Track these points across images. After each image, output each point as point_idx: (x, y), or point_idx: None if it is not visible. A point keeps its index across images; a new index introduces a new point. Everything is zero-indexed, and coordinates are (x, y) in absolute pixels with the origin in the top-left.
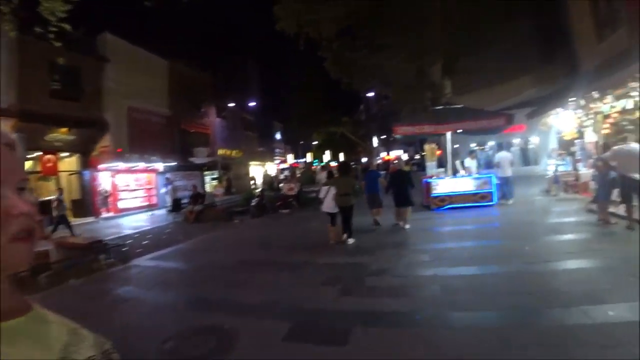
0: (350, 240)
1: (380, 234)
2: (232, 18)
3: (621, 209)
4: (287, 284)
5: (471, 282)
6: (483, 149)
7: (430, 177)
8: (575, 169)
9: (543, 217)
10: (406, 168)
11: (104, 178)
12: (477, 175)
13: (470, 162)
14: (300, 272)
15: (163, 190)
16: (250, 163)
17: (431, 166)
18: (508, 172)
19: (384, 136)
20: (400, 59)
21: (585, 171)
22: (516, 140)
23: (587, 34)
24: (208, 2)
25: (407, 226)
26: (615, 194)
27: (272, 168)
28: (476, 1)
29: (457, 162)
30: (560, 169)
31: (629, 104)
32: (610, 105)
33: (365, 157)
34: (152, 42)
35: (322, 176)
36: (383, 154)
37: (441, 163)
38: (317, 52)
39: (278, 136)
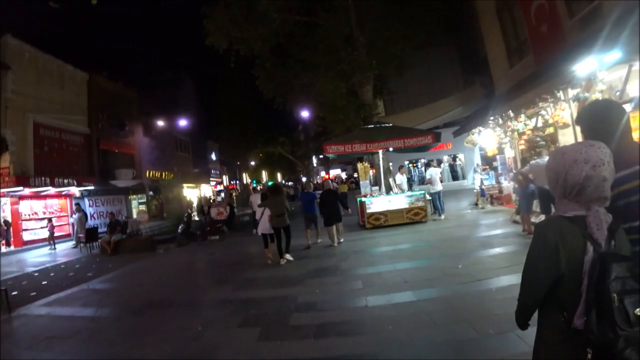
0: (288, 257)
1: (312, 258)
2: (164, 31)
3: (542, 219)
4: (200, 329)
5: (406, 312)
6: (415, 165)
7: (364, 195)
8: (498, 182)
9: (473, 231)
10: (344, 187)
11: (3, 205)
12: (409, 193)
13: (400, 178)
14: (218, 311)
15: (73, 218)
16: (184, 185)
17: (365, 185)
18: (438, 186)
19: (322, 156)
20: (329, 79)
21: (507, 184)
22: (445, 157)
23: (500, 60)
24: (137, 11)
25: (342, 240)
26: (535, 205)
27: (207, 190)
28: (396, 30)
29: (391, 180)
30: (486, 182)
31: (539, 122)
32: (523, 123)
33: (305, 176)
34: (69, 51)
35: (256, 198)
36: (322, 174)
37: (376, 181)
38: (250, 70)
39: (214, 157)
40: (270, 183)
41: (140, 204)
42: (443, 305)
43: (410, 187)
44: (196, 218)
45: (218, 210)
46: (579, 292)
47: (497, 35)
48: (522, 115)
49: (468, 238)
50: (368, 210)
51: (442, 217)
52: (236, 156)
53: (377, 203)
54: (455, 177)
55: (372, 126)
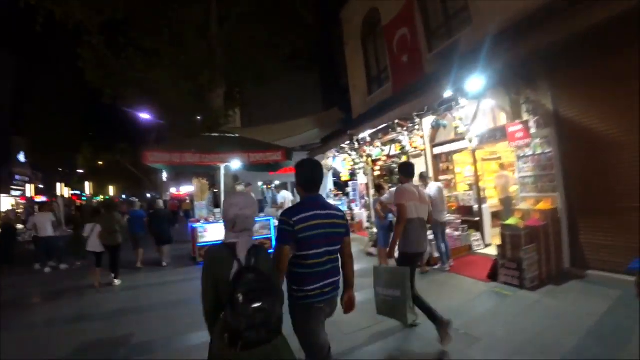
0: (117, 282)
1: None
2: None
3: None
4: None
5: None
6: (270, 188)
7: (198, 220)
8: (350, 209)
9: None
10: (187, 206)
11: None
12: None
13: None
14: None
15: None
16: None
17: (200, 207)
18: None
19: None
20: (170, 73)
21: (358, 211)
22: None
23: (360, 86)
24: None
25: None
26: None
27: (6, 202)
28: (259, 33)
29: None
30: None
31: (393, 149)
32: (380, 149)
33: (151, 192)
34: None
35: (41, 217)
36: (172, 190)
37: (217, 203)
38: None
39: (22, 158)
40: (106, 198)
41: None
42: None
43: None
44: None
45: None
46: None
47: (359, 61)
48: (379, 142)
49: None
50: (200, 240)
51: None
52: (59, 161)
53: (213, 231)
54: None
55: (215, 135)
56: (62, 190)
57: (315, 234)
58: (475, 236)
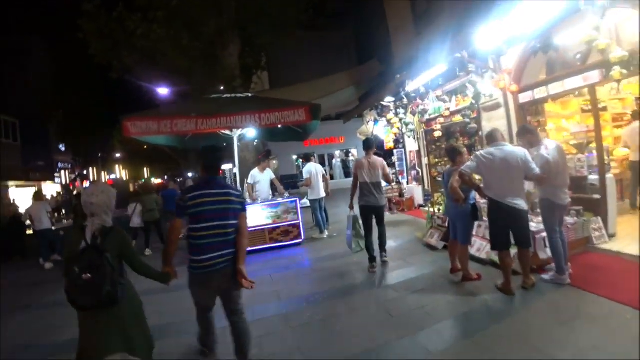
0: (148, 251)
1: None
2: None
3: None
4: None
5: None
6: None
7: None
8: (397, 182)
9: (378, 267)
10: None
11: None
12: (274, 201)
13: (258, 177)
14: None
15: None
16: (9, 184)
17: None
18: (320, 191)
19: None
20: (169, 31)
21: (409, 185)
22: (337, 152)
23: (405, 25)
24: None
25: None
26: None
27: (52, 188)
28: None
29: (249, 182)
30: (383, 183)
31: (454, 103)
32: (443, 100)
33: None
34: None
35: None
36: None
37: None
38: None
39: (62, 147)
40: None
41: None
42: None
43: (274, 192)
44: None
45: None
46: None
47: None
48: (436, 93)
49: (370, 285)
50: None
51: (326, 234)
52: (95, 146)
53: None
54: (347, 174)
55: (216, 96)
56: (95, 174)
57: (206, 209)
58: (596, 223)
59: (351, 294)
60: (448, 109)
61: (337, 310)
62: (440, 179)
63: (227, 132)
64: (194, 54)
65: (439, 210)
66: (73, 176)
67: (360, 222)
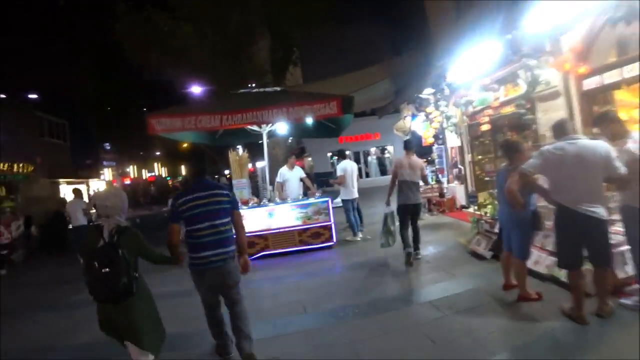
0: None
1: None
2: None
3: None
4: None
5: None
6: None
7: None
8: (437, 181)
9: (410, 281)
10: None
11: None
12: (304, 201)
13: (287, 175)
14: None
15: None
16: (60, 181)
17: (240, 186)
18: (354, 192)
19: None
20: (196, 27)
21: (451, 184)
22: (372, 149)
23: (443, 9)
24: None
25: None
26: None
27: (100, 185)
28: None
29: (278, 180)
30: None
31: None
32: (492, 89)
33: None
34: None
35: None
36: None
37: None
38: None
39: (108, 145)
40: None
41: None
42: None
43: (305, 193)
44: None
45: None
46: None
47: None
48: (483, 82)
49: (402, 302)
50: None
51: (359, 237)
52: (135, 144)
53: (251, 218)
54: (383, 171)
55: (245, 91)
56: (135, 172)
57: (197, 212)
58: None
59: (385, 311)
60: (498, 98)
61: (368, 331)
62: (487, 179)
63: (256, 128)
64: (222, 49)
65: (486, 213)
66: (115, 173)
67: (397, 218)
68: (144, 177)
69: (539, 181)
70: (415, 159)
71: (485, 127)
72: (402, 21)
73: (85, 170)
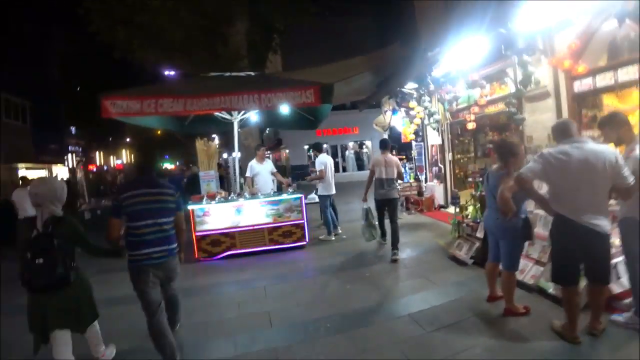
0: None
1: None
2: None
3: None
4: None
5: None
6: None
7: (200, 198)
8: (417, 179)
9: (392, 284)
10: (222, 172)
11: None
12: (276, 197)
13: (257, 168)
14: None
15: None
16: (20, 166)
17: (207, 178)
18: (332, 187)
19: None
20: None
21: (430, 183)
22: (350, 144)
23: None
24: None
25: None
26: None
27: (63, 172)
28: None
29: (248, 175)
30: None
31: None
32: (480, 86)
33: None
34: None
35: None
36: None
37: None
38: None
39: (74, 130)
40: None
41: None
42: None
43: (279, 187)
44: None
45: None
46: None
47: None
48: (472, 78)
49: (380, 314)
50: (200, 228)
51: (333, 236)
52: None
53: (217, 214)
54: (361, 166)
55: (216, 74)
56: (102, 159)
57: (142, 208)
58: None
59: (362, 325)
60: (485, 96)
61: (343, 349)
62: (470, 179)
63: (227, 115)
64: (194, 29)
65: (467, 216)
66: (80, 159)
67: (374, 213)
68: (112, 165)
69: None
70: (391, 157)
71: (471, 126)
72: (388, 13)
73: (49, 155)
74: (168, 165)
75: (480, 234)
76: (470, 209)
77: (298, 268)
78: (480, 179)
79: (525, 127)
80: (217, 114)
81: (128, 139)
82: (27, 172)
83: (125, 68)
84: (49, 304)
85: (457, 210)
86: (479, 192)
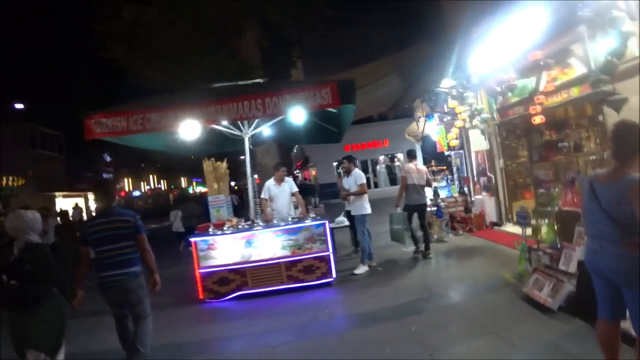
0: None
1: None
2: None
3: None
4: None
5: None
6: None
7: (206, 228)
8: (462, 192)
9: (451, 344)
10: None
11: None
12: (293, 225)
13: (275, 190)
14: None
15: None
16: (56, 194)
17: (217, 204)
18: (366, 207)
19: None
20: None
21: (479, 196)
22: (381, 157)
23: None
24: None
25: None
26: None
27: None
28: None
29: (263, 197)
30: (442, 193)
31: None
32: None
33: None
34: None
35: None
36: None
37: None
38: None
39: (108, 157)
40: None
41: None
42: None
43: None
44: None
45: None
46: None
47: None
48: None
49: None
50: (204, 263)
51: (364, 269)
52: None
53: (224, 247)
54: (393, 180)
55: (217, 85)
56: (131, 184)
57: (99, 236)
58: None
59: None
60: (554, 79)
61: None
62: (541, 190)
63: (235, 130)
64: (196, 42)
65: (540, 241)
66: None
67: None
68: (142, 190)
69: None
70: (420, 165)
71: (538, 119)
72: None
73: (84, 182)
74: (202, 189)
75: (567, 267)
76: (546, 229)
77: (321, 316)
78: (556, 189)
79: (606, 117)
80: (223, 129)
81: (159, 165)
82: (64, 200)
83: (140, 89)
84: (21, 324)
85: (529, 232)
86: (556, 208)
